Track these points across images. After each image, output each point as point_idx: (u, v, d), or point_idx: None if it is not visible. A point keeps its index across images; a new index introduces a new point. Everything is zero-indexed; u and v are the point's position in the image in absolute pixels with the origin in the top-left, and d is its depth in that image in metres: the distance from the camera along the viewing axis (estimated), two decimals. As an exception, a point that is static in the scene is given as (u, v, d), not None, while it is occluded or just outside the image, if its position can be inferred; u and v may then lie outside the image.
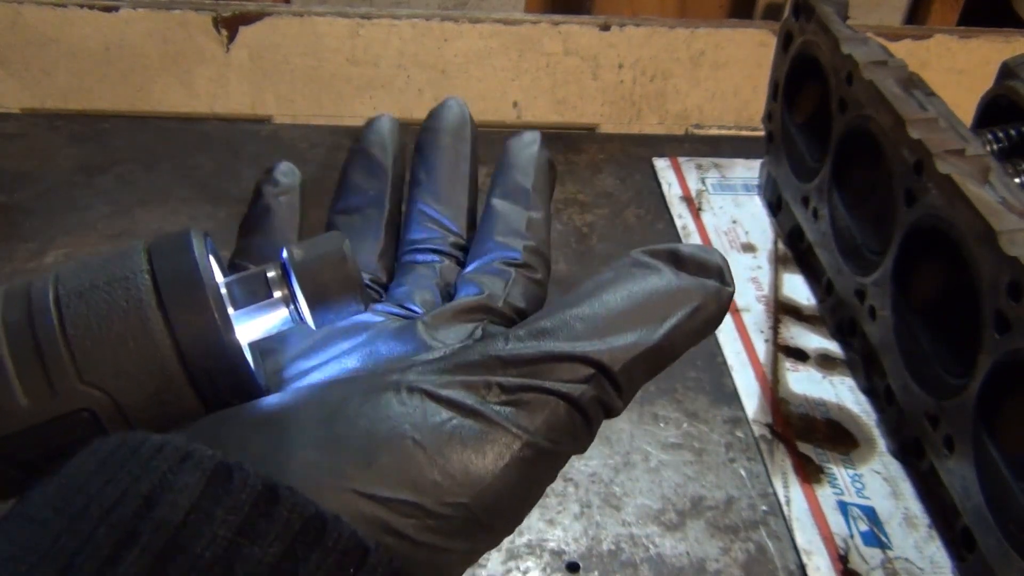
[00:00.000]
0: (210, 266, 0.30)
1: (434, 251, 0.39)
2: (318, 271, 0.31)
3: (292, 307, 0.31)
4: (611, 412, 0.31)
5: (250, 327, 0.31)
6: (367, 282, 0.39)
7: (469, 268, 0.37)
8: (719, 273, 0.32)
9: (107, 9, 0.80)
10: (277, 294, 0.31)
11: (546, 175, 0.40)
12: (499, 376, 0.29)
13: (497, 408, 0.28)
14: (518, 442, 0.28)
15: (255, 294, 0.31)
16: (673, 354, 0.31)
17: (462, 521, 0.27)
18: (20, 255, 0.68)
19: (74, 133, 0.82)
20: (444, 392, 0.28)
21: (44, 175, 0.77)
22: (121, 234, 0.71)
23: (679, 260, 0.32)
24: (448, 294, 0.37)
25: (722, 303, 0.32)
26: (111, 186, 0.76)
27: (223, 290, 0.30)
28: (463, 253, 0.40)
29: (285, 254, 0.31)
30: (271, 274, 0.31)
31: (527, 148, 0.41)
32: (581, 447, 0.30)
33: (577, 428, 0.29)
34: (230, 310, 0.30)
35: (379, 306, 0.36)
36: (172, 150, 0.81)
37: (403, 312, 0.36)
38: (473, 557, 0.29)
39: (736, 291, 0.70)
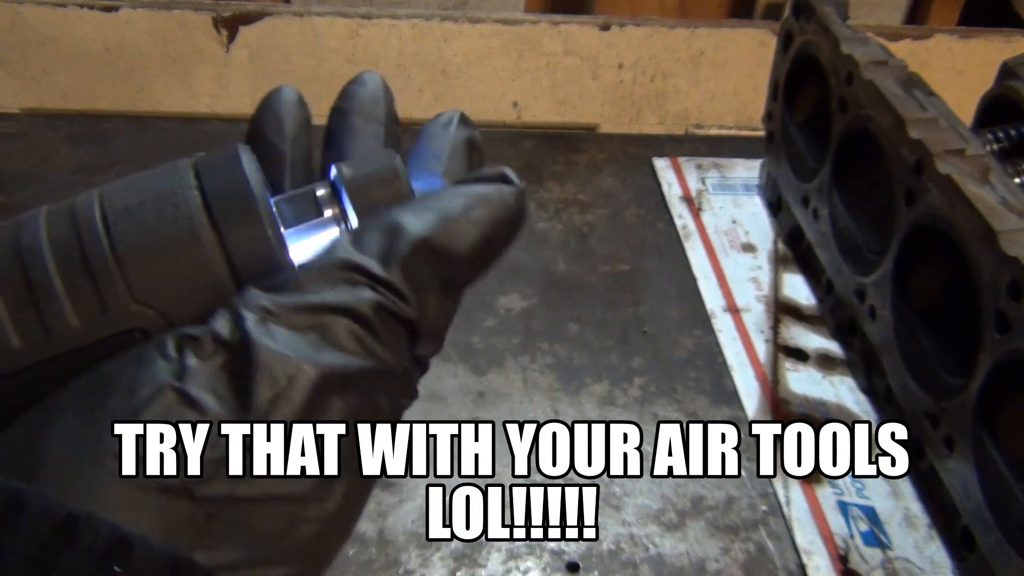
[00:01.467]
0: (263, 182, 0.29)
1: None
2: (369, 188, 0.30)
3: (343, 226, 0.30)
4: (406, 321, 0.28)
5: (300, 247, 0.30)
6: None
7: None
8: (501, 176, 0.30)
9: (107, 9, 0.80)
10: (328, 213, 0.30)
11: (463, 162, 0.35)
12: (264, 299, 0.27)
13: (266, 328, 0.26)
14: (291, 366, 0.25)
15: (305, 213, 0.30)
16: (461, 253, 0.28)
17: None
18: (20, 255, 0.68)
19: (74, 133, 0.82)
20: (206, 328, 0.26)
21: (44, 175, 0.76)
22: (121, 234, 0.71)
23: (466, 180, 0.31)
24: None
25: (505, 200, 0.29)
26: (111, 186, 0.76)
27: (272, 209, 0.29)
28: None
29: (335, 172, 0.30)
30: (320, 192, 0.30)
31: (443, 131, 0.35)
32: (381, 363, 0.27)
33: (364, 340, 0.27)
34: (281, 229, 0.29)
35: None
36: (172, 150, 0.80)
37: None
38: None
39: (736, 291, 0.71)
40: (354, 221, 0.30)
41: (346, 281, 0.27)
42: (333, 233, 0.30)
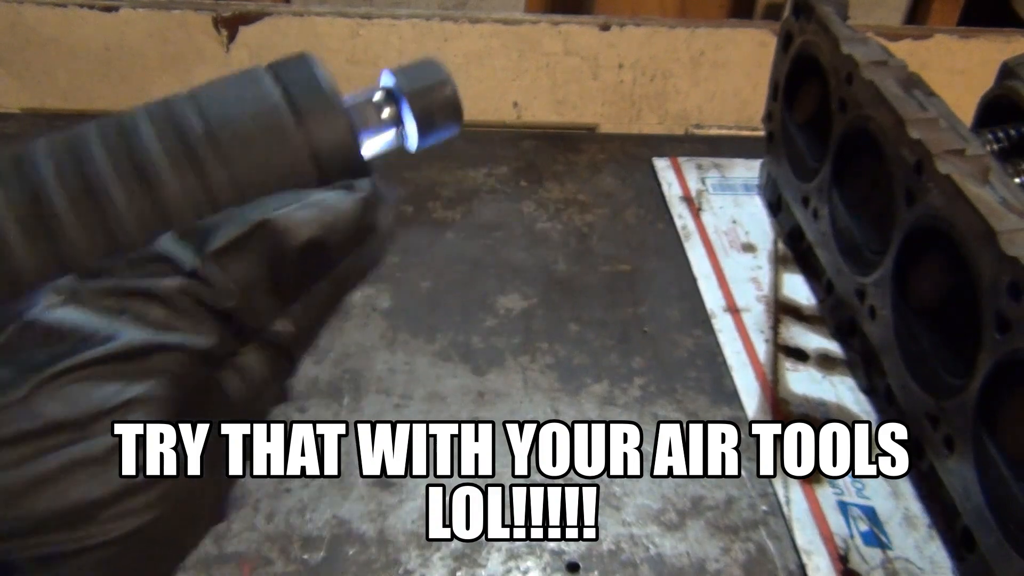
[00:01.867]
0: (337, 89, 0.32)
1: None
2: (425, 96, 0.32)
3: (398, 129, 0.33)
4: (222, 312, 0.28)
5: (366, 147, 0.33)
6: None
7: None
8: (350, 185, 0.31)
9: (107, 9, 0.80)
10: (385, 116, 0.33)
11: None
12: (75, 284, 0.28)
13: (63, 307, 0.27)
14: (84, 334, 0.27)
15: (369, 119, 0.33)
16: (282, 252, 0.29)
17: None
18: (20, 255, 0.68)
19: (74, 133, 0.82)
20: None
21: (44, 175, 0.76)
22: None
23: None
24: None
25: (340, 206, 0.30)
26: (111, 186, 0.76)
27: None
28: None
29: (388, 80, 0.33)
30: (376, 98, 0.33)
31: None
32: (195, 341, 0.28)
33: (171, 322, 0.28)
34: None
35: None
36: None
37: None
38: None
39: (736, 291, 0.71)
40: (409, 124, 0.33)
41: (158, 271, 0.28)
42: (390, 135, 0.33)
